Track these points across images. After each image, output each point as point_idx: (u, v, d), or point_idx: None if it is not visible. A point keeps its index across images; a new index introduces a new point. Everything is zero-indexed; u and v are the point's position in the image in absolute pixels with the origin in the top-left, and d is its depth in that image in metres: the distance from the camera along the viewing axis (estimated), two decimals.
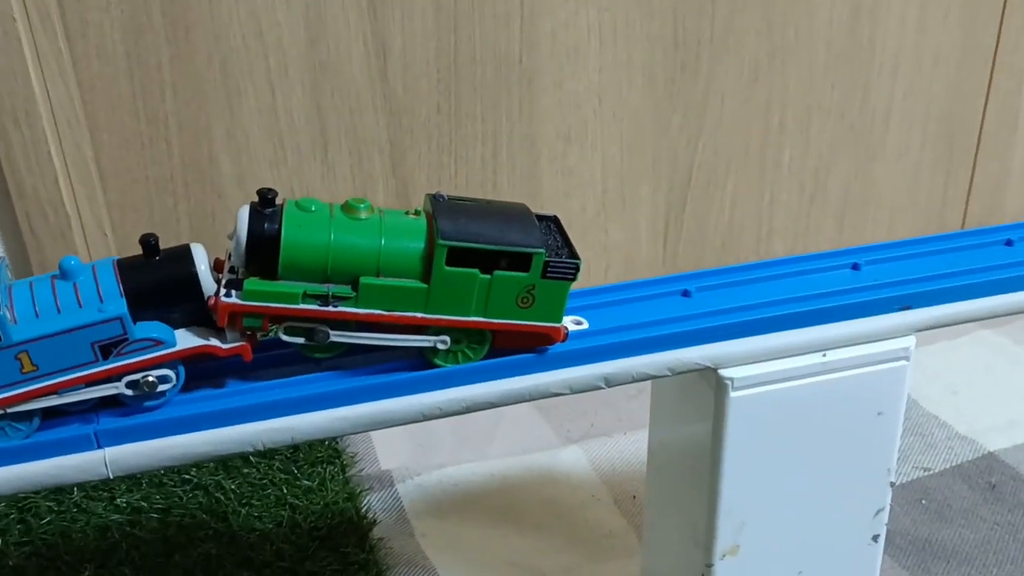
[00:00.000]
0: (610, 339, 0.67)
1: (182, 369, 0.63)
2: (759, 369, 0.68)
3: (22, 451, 0.60)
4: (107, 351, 0.60)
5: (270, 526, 0.98)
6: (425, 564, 0.94)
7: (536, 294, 0.64)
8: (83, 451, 0.61)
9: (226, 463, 1.05)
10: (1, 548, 0.96)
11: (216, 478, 1.04)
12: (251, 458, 1.05)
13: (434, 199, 0.65)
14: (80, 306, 0.60)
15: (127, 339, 0.60)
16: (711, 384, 0.69)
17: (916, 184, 1.38)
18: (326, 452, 1.07)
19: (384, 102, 1.12)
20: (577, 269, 0.63)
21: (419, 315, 0.63)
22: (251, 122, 1.08)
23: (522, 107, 1.16)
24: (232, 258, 0.64)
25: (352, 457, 1.08)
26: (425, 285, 0.63)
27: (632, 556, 0.95)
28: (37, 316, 0.59)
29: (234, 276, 0.63)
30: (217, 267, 0.64)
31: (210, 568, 0.93)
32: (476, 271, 0.63)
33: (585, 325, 0.68)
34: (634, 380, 0.67)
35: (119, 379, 0.61)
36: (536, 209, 0.66)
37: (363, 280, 0.62)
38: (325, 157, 1.12)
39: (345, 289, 0.63)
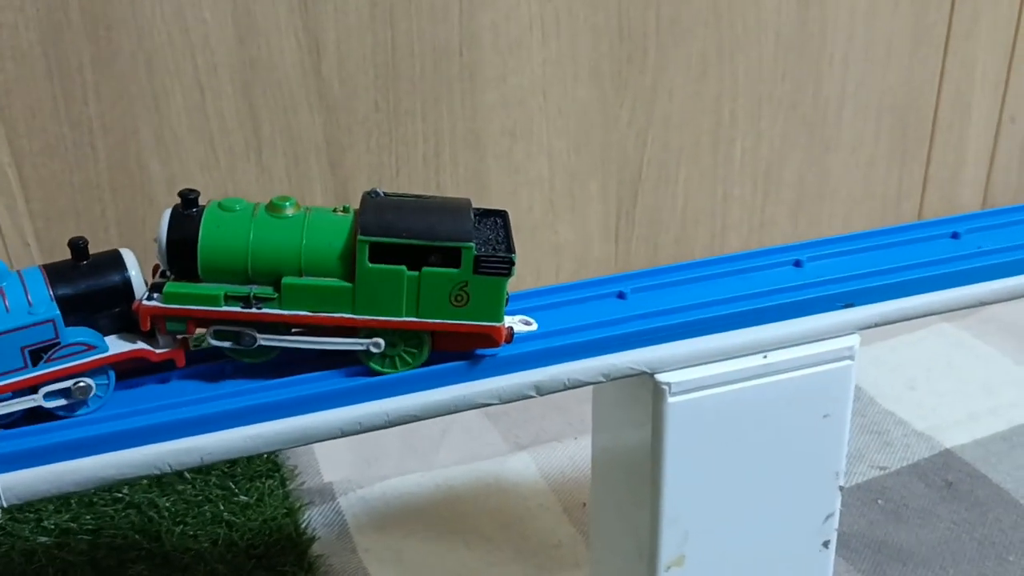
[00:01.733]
0: (542, 344, 0.64)
1: (113, 376, 0.60)
2: (697, 373, 0.65)
3: None
4: (37, 357, 0.57)
5: (205, 545, 0.94)
6: None
7: (470, 291, 0.60)
8: None
9: (159, 479, 1.01)
10: None
11: (150, 495, 0.99)
12: (186, 474, 1.01)
13: (368, 195, 0.62)
14: (8, 311, 0.57)
15: (58, 343, 0.58)
16: (648, 389, 0.66)
17: (871, 176, 1.36)
18: (265, 465, 1.03)
19: (319, 100, 1.08)
20: (511, 264, 0.59)
21: (347, 316, 0.60)
22: (180, 124, 1.04)
23: (464, 103, 1.13)
24: (160, 263, 0.62)
25: (292, 470, 1.04)
26: (350, 284, 0.60)
27: (581, 566, 0.92)
28: None
29: (163, 280, 0.61)
30: (154, 272, 0.62)
31: None
32: (403, 268, 0.59)
33: (534, 326, 0.65)
34: (566, 387, 0.64)
35: (47, 386, 0.58)
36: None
37: (285, 280, 0.60)
38: (260, 158, 1.08)
39: (267, 290, 0.60)
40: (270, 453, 1.04)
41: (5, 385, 0.57)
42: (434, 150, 1.14)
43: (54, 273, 0.60)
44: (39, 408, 0.59)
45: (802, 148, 1.29)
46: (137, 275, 0.61)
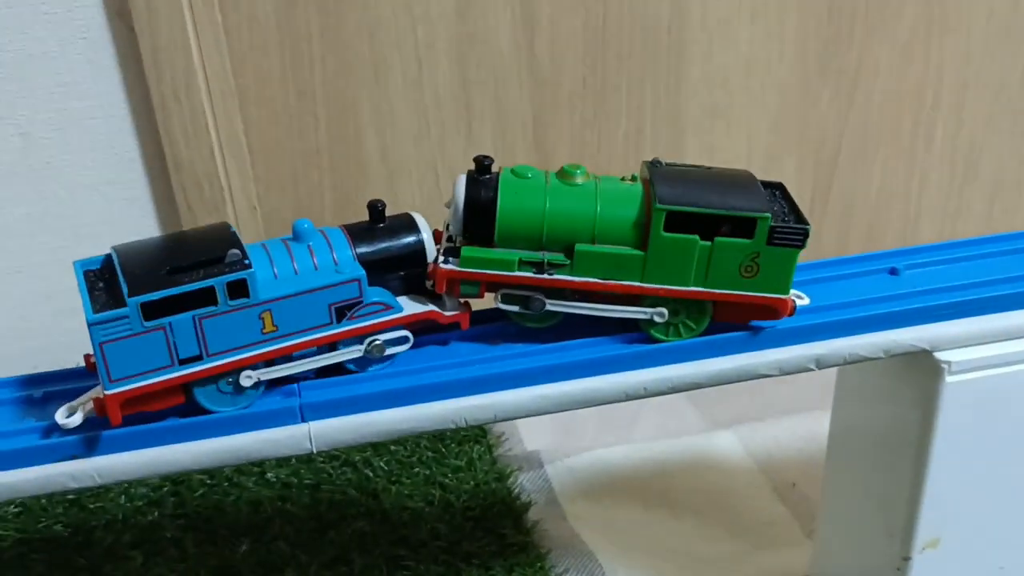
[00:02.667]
0: (822, 318, 0.64)
1: (407, 335, 0.62)
2: (977, 353, 0.64)
3: (227, 423, 0.59)
4: (341, 314, 0.60)
5: (421, 505, 0.97)
6: (582, 548, 0.92)
7: (761, 262, 0.60)
8: (287, 424, 0.60)
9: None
10: (156, 520, 0.96)
11: (364, 455, 1.03)
12: None
13: (651, 165, 0.63)
14: (316, 268, 0.60)
15: (361, 302, 0.60)
16: (923, 368, 0.65)
17: None
18: (473, 431, 1.06)
19: (530, 75, 1.09)
20: (806, 235, 0.59)
21: (635, 284, 0.61)
22: (397, 95, 1.07)
23: (669, 80, 1.13)
24: (450, 227, 0.64)
25: (499, 437, 1.06)
26: (642, 252, 0.61)
27: (798, 546, 0.91)
28: (276, 277, 0.59)
29: (452, 244, 0.63)
30: (435, 238, 0.64)
31: (365, 545, 0.92)
32: (696, 237, 0.60)
33: (807, 300, 0.65)
34: (845, 362, 0.64)
35: (349, 343, 0.60)
36: None
37: (578, 247, 0.61)
38: (469, 132, 1.10)
39: (559, 256, 0.61)
40: (430, 434, 1.06)
41: (314, 340, 0.60)
42: (636, 127, 1.15)
43: (355, 234, 0.62)
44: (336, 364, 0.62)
45: (1005, 134, 1.25)
46: (429, 239, 0.63)
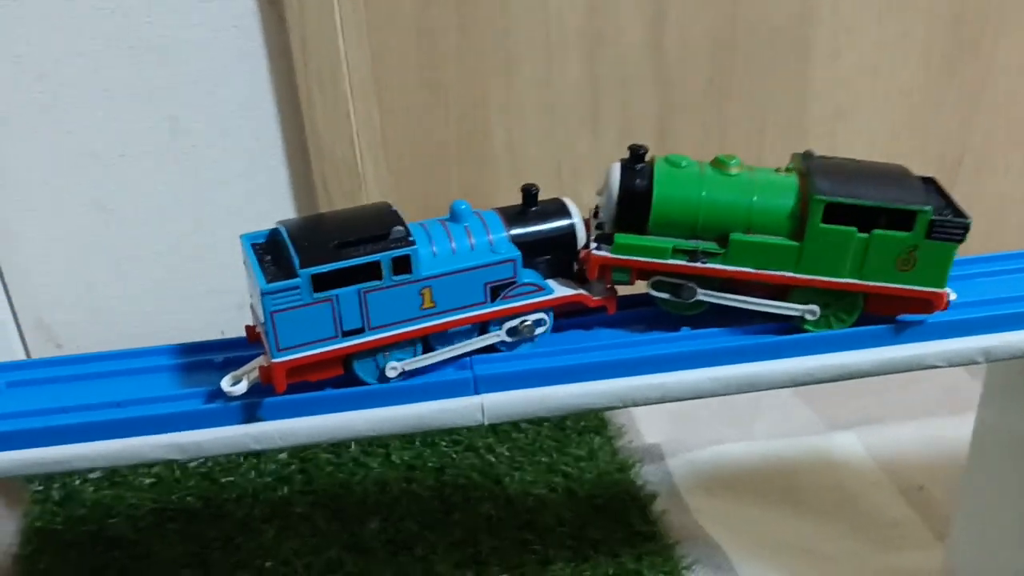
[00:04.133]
0: (986, 311, 0.64)
1: (551, 317, 0.63)
2: None
3: (398, 392, 0.61)
4: (495, 293, 0.61)
5: (544, 491, 0.99)
6: (707, 540, 0.93)
7: (918, 255, 0.61)
8: (460, 396, 0.61)
9: (495, 427, 1.06)
10: (286, 496, 0.99)
11: (487, 441, 1.05)
12: (520, 424, 1.06)
13: (805, 156, 0.64)
14: (472, 249, 0.61)
15: (515, 282, 0.61)
16: None
17: None
18: (593, 422, 1.07)
19: (656, 74, 1.10)
20: (966, 229, 0.59)
21: (789, 274, 0.62)
22: (526, 93, 1.09)
23: (794, 81, 1.13)
24: (599, 213, 0.64)
25: (619, 429, 1.07)
26: (797, 243, 0.61)
27: (927, 549, 0.91)
28: (435, 255, 0.60)
29: (601, 232, 0.64)
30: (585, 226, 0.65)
31: (492, 528, 0.94)
32: (853, 229, 0.60)
33: (954, 296, 0.65)
34: (1013, 356, 0.64)
35: (500, 323, 0.62)
36: None
37: (733, 236, 0.61)
38: (593, 130, 1.12)
39: (713, 245, 0.62)
40: (598, 412, 1.08)
41: (468, 317, 0.61)
42: (758, 127, 1.15)
43: (509, 216, 0.64)
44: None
45: None
46: (580, 224, 0.65)
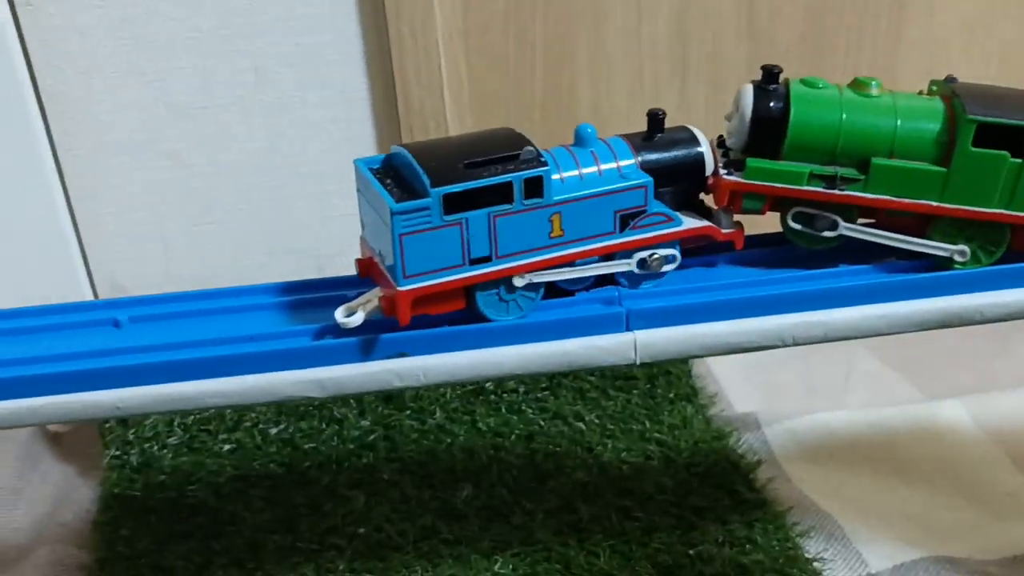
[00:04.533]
0: None
1: (679, 251, 0.60)
2: None
3: (543, 328, 0.57)
4: (624, 223, 0.58)
5: (640, 459, 0.95)
6: (816, 509, 0.88)
7: None
8: (611, 332, 0.57)
9: (584, 394, 1.02)
10: (371, 463, 0.95)
11: (575, 408, 1.01)
12: (608, 391, 1.02)
13: (949, 80, 0.60)
14: (600, 175, 0.58)
15: (645, 211, 0.58)
16: None
17: None
18: (684, 389, 1.03)
19: (748, 28, 1.06)
20: None
21: (933, 203, 0.58)
22: (614, 46, 1.05)
23: (888, 38, 1.09)
24: (728, 139, 0.61)
25: (711, 397, 1.03)
26: (943, 169, 0.58)
27: None
28: (563, 182, 0.57)
29: (728, 159, 0.61)
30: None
31: (588, 496, 0.90)
32: (1006, 154, 0.57)
33: None
34: None
35: (630, 255, 0.58)
36: None
37: (875, 161, 0.58)
38: (683, 86, 1.08)
39: (852, 171, 0.58)
40: (688, 377, 1.04)
41: (597, 248, 0.57)
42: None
43: (636, 144, 0.60)
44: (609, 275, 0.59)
45: None
46: (708, 151, 0.61)
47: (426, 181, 0.53)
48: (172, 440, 0.96)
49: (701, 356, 0.59)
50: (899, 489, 0.92)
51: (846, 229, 0.60)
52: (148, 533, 0.87)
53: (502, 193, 0.54)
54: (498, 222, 0.55)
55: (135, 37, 0.90)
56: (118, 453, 0.96)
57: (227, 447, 0.97)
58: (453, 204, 0.53)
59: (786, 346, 0.58)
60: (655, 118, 0.61)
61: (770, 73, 0.60)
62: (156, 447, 0.96)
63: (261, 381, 0.54)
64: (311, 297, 0.63)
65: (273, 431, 0.98)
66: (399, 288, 0.54)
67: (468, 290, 0.56)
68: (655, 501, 0.89)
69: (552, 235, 0.56)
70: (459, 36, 0.98)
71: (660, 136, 0.61)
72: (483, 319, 0.57)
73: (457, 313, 0.57)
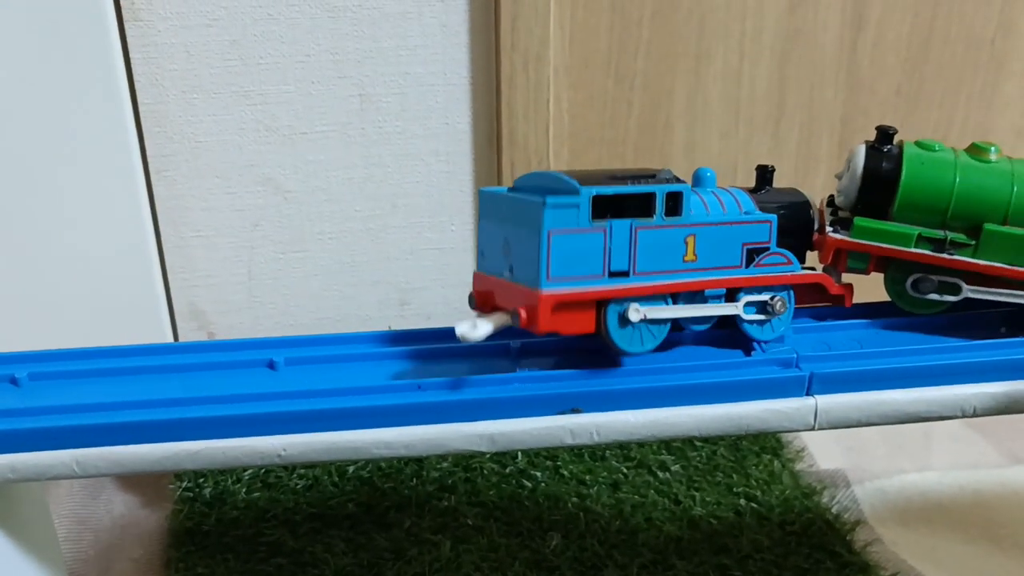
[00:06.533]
0: None
1: (793, 298, 0.59)
2: None
3: (728, 389, 0.55)
4: (751, 257, 0.57)
5: (730, 514, 0.92)
6: (915, 574, 0.86)
7: None
8: (791, 396, 0.55)
9: (669, 445, 0.99)
10: (452, 506, 0.92)
11: (660, 458, 0.98)
12: (696, 442, 0.99)
13: None
14: (724, 211, 0.58)
15: (769, 248, 0.58)
16: None
17: None
18: (771, 443, 1.00)
19: (847, 77, 1.05)
20: None
21: None
22: (713, 88, 1.03)
23: (983, 93, 1.08)
24: (838, 198, 0.61)
25: (798, 452, 1.00)
26: None
27: None
28: (690, 212, 0.57)
29: (835, 216, 0.61)
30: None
31: (682, 551, 0.87)
32: None
33: None
34: None
35: (753, 293, 0.58)
36: None
37: (987, 227, 0.57)
38: (776, 131, 1.06)
39: (962, 236, 0.58)
40: (774, 433, 1.01)
41: (724, 280, 0.57)
42: (941, 138, 1.09)
43: (750, 192, 0.60)
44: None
45: None
46: (815, 209, 0.61)
47: (575, 183, 0.53)
48: (247, 474, 0.93)
49: (879, 424, 0.57)
50: (994, 556, 0.89)
51: (972, 292, 0.59)
52: (226, 572, 0.83)
53: (645, 205, 0.55)
54: (639, 235, 0.55)
55: (243, 58, 0.87)
56: (190, 485, 0.92)
57: (302, 483, 0.93)
58: (600, 208, 0.53)
59: (965, 416, 0.56)
60: (765, 171, 0.61)
61: (885, 133, 0.60)
62: (231, 480, 0.92)
63: (430, 432, 0.51)
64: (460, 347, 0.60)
65: (351, 469, 0.94)
66: (542, 291, 0.52)
67: (600, 309, 0.55)
68: (754, 559, 0.86)
69: (686, 258, 0.56)
70: (564, 74, 0.96)
71: (769, 189, 0.61)
72: (612, 348, 0.56)
73: (585, 337, 0.56)
